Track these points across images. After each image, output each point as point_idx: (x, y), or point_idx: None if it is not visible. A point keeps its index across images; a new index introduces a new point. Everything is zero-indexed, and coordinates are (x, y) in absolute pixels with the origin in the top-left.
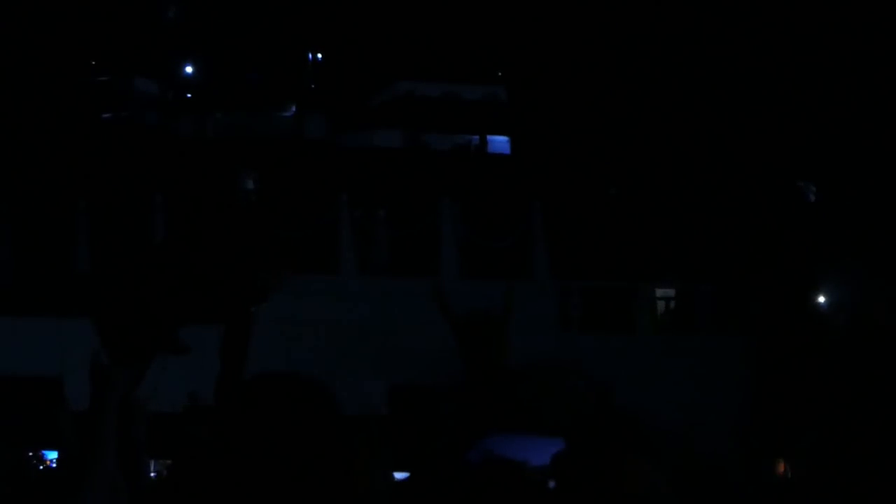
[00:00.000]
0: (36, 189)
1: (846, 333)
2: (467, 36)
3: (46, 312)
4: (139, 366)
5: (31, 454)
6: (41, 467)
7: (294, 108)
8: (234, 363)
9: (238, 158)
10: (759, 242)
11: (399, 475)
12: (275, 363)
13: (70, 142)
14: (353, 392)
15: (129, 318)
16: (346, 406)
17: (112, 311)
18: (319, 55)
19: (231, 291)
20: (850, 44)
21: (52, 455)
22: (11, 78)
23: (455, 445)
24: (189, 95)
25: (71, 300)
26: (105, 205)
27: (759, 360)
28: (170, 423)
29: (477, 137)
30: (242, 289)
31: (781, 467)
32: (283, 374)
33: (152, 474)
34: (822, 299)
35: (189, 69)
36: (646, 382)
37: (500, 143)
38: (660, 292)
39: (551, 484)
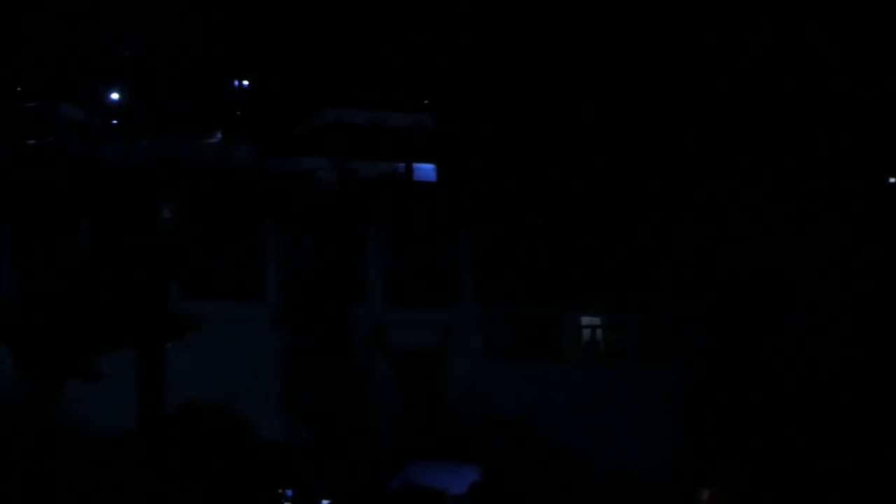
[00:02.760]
0: None
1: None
2: (394, 64)
3: None
4: (53, 391)
5: None
6: None
7: (220, 135)
8: (150, 391)
9: (163, 185)
10: (688, 270)
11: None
12: (200, 389)
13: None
14: (277, 419)
15: (42, 344)
16: (269, 433)
17: (26, 338)
18: (246, 82)
19: (142, 320)
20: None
21: None
22: None
23: (377, 474)
24: (115, 122)
25: (16, 325)
26: (31, 231)
27: (690, 390)
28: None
29: (403, 165)
30: (154, 318)
31: (705, 495)
32: (201, 406)
33: None
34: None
35: (115, 95)
36: (572, 410)
37: (426, 170)
38: (586, 320)
39: None
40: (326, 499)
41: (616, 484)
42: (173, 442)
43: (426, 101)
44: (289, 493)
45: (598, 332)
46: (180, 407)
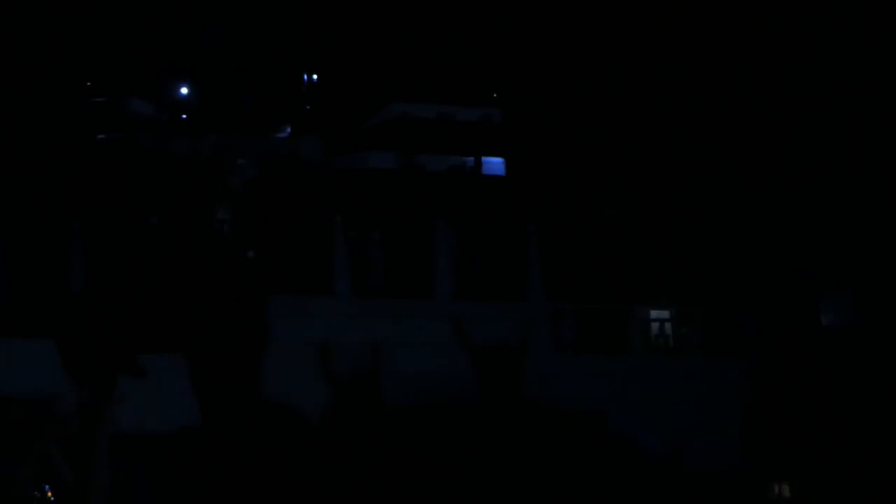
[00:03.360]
0: (30, 210)
1: (845, 355)
2: (462, 57)
3: (40, 334)
4: (106, 388)
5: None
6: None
7: (289, 130)
8: (205, 390)
9: (232, 180)
10: (754, 264)
11: None
12: (269, 386)
13: (65, 162)
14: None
15: (89, 342)
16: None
17: (74, 335)
18: (315, 76)
19: (187, 322)
20: (850, 59)
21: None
22: (5, 97)
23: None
24: (184, 116)
25: (65, 321)
26: (99, 226)
27: (756, 384)
28: (157, 444)
29: (472, 159)
30: (200, 320)
31: (777, 490)
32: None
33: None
34: (821, 320)
35: (184, 90)
36: (640, 404)
37: (495, 164)
38: (654, 314)
39: None
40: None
41: (685, 477)
42: (237, 438)
43: (495, 95)
44: None
45: (667, 325)
46: (246, 404)
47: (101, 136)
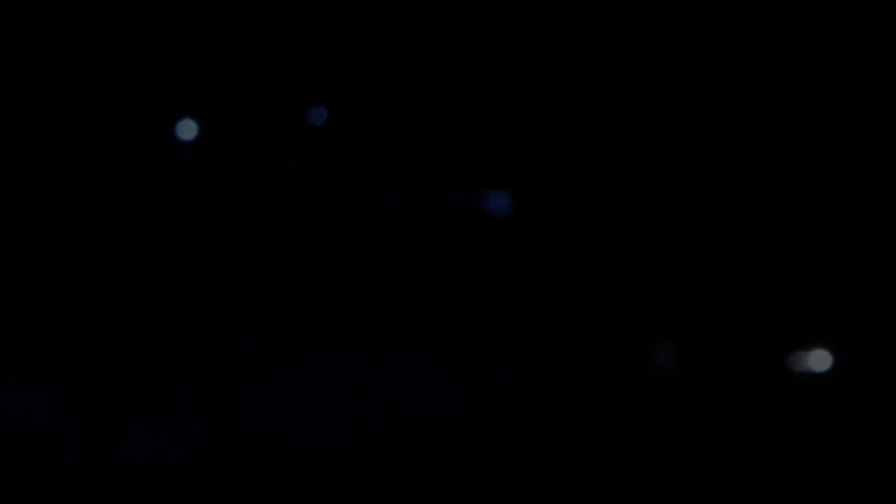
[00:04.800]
0: (32, 243)
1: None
2: (466, 92)
3: (45, 369)
4: (115, 422)
5: None
6: None
7: (293, 166)
8: (216, 423)
9: (235, 216)
10: (754, 299)
11: None
12: (275, 422)
13: (68, 197)
14: (355, 453)
15: (105, 373)
16: (348, 468)
17: (88, 368)
18: (321, 112)
19: (203, 352)
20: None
21: None
22: (9, 133)
23: None
24: (189, 152)
25: (68, 358)
26: (103, 261)
27: (762, 425)
28: (160, 486)
29: (476, 195)
30: (215, 350)
31: None
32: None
33: None
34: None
35: (189, 125)
36: (646, 440)
37: (500, 200)
38: (661, 348)
39: None
40: None
41: None
42: (240, 477)
43: (499, 130)
44: None
45: (675, 360)
46: (246, 443)
47: (104, 172)
